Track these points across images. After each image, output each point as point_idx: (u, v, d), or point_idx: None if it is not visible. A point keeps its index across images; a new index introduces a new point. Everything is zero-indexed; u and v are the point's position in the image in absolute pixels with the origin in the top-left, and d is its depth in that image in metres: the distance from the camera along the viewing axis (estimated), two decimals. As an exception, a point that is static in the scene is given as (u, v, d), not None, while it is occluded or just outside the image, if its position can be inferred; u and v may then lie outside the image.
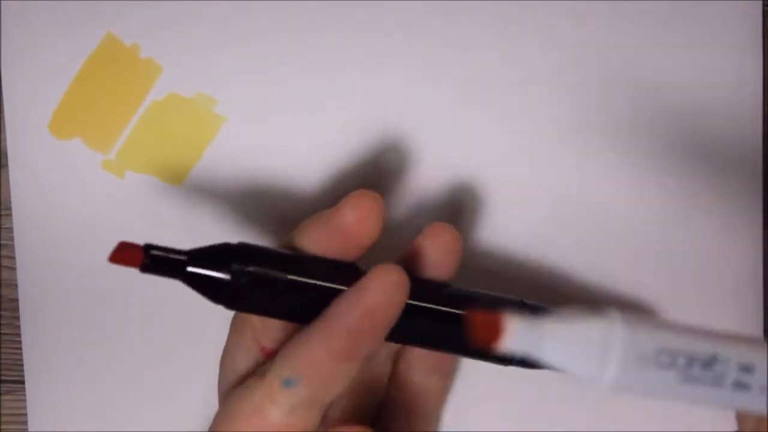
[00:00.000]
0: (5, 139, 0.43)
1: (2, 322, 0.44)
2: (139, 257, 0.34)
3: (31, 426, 0.43)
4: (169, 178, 0.43)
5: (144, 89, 0.42)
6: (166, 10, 0.42)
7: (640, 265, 0.43)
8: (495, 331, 0.28)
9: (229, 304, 0.36)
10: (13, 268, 0.43)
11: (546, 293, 0.42)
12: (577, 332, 0.29)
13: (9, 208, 0.43)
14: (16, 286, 0.43)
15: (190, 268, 0.35)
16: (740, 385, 0.29)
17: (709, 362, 0.29)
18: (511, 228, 0.43)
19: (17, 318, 0.43)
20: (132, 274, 0.43)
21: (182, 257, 0.35)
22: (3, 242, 0.43)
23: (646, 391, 0.29)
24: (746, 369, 0.29)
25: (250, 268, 0.35)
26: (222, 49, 0.42)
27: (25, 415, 0.43)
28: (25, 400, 0.43)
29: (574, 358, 0.29)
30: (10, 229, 0.43)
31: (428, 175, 0.43)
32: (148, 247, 0.35)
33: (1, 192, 0.43)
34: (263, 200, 0.43)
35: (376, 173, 0.43)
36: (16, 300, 0.43)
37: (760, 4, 0.42)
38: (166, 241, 0.43)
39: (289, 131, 0.43)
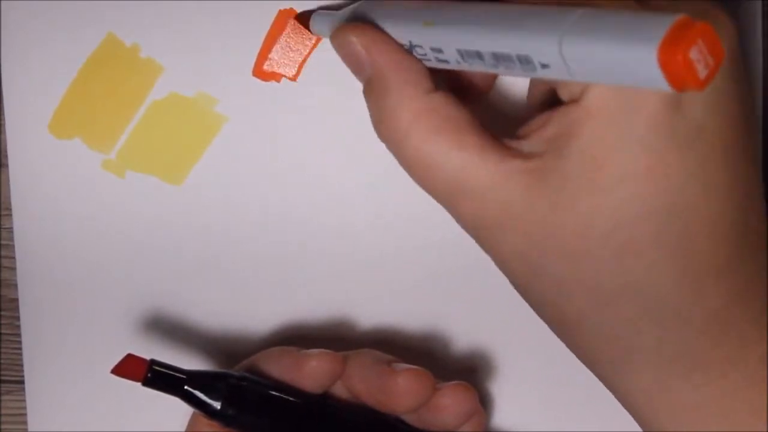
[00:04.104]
0: (5, 139, 0.43)
1: (2, 322, 0.44)
2: (142, 371, 0.37)
3: (31, 426, 0.43)
4: (169, 178, 0.43)
5: (144, 89, 0.42)
6: (166, 10, 0.42)
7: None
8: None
9: (218, 422, 0.39)
10: (13, 268, 0.43)
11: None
12: None
13: (9, 208, 0.43)
14: (16, 286, 0.43)
15: (187, 387, 0.38)
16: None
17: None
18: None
19: (17, 318, 0.43)
20: (132, 275, 0.43)
21: (182, 376, 0.38)
22: (3, 242, 0.43)
23: None
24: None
25: (241, 407, 0.38)
26: (222, 49, 0.42)
27: (25, 415, 0.43)
28: (25, 400, 0.43)
29: None
30: (10, 229, 0.43)
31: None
32: (153, 363, 0.37)
33: (1, 192, 0.43)
34: (263, 199, 0.43)
35: (374, 168, 0.43)
36: (16, 300, 0.43)
37: (759, 4, 0.43)
38: (166, 240, 0.43)
39: (290, 130, 0.43)
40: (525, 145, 0.35)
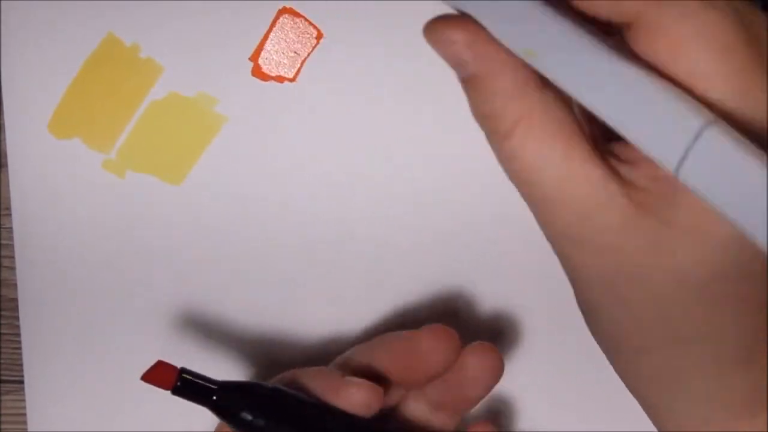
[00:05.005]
0: (5, 139, 0.43)
1: (2, 322, 0.44)
2: (172, 379, 0.36)
3: (31, 426, 0.43)
4: (168, 177, 0.43)
5: (144, 89, 0.42)
6: (166, 10, 0.42)
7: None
8: None
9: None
10: (13, 268, 0.43)
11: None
12: None
13: (9, 208, 0.43)
14: (16, 286, 0.43)
15: (215, 398, 0.37)
16: None
17: None
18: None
19: (17, 318, 0.43)
20: (132, 274, 0.43)
21: (212, 386, 0.37)
22: (3, 242, 0.43)
23: None
24: None
25: (269, 419, 0.37)
26: (222, 49, 0.42)
27: (25, 415, 0.43)
28: (24, 400, 0.43)
29: None
30: (10, 229, 0.43)
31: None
32: (183, 371, 0.36)
33: (1, 192, 0.43)
34: (263, 199, 0.43)
35: (375, 168, 0.43)
36: (16, 300, 0.43)
37: (759, 4, 0.42)
38: (165, 240, 0.43)
39: (290, 130, 0.43)
40: (627, 171, 0.33)
